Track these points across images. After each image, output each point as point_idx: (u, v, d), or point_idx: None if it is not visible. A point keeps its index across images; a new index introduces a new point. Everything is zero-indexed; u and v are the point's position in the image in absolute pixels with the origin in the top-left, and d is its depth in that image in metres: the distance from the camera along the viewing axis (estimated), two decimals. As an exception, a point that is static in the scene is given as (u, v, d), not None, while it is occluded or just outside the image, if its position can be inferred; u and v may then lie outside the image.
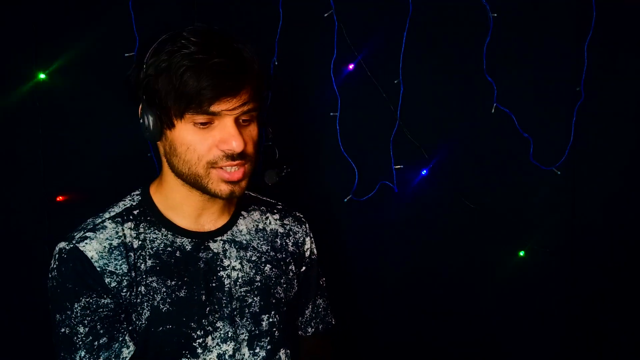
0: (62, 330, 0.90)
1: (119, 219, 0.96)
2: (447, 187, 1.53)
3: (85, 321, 0.89)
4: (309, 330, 1.16)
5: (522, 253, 1.60)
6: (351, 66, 1.43)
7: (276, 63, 1.38)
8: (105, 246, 0.92)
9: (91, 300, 0.90)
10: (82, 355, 0.89)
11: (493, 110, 1.51)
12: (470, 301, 1.60)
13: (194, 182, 0.92)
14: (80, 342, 0.89)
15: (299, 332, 1.16)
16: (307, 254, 1.14)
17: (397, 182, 1.50)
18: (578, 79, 1.54)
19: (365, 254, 1.53)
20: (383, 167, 1.49)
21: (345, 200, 1.48)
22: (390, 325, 1.57)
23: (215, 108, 0.87)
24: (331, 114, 1.44)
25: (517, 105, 1.52)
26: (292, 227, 1.13)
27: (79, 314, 0.89)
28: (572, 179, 1.59)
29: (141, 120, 0.92)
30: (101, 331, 0.90)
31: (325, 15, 1.39)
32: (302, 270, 1.12)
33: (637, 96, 1.58)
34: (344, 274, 1.53)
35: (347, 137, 1.45)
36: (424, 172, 1.51)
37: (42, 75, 1.23)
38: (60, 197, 1.27)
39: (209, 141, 0.89)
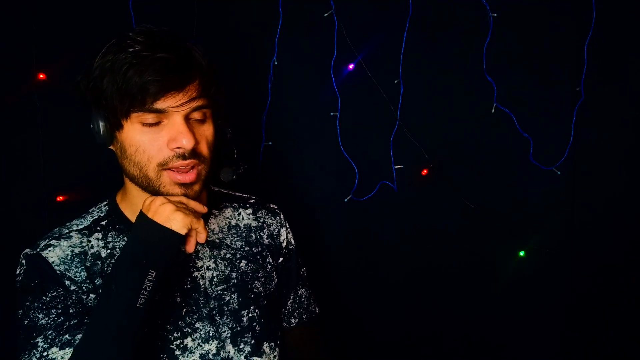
0: (26, 322, 0.87)
1: (86, 232, 0.95)
2: (447, 187, 1.53)
3: (60, 306, 0.87)
4: (293, 321, 1.15)
5: (522, 253, 1.60)
6: (351, 66, 1.43)
7: (276, 63, 1.38)
8: (67, 253, 0.91)
9: (57, 294, 0.89)
10: (49, 334, 0.85)
11: (493, 110, 1.51)
12: (470, 301, 1.60)
13: (146, 186, 0.90)
14: (52, 322, 0.86)
15: (284, 324, 1.15)
16: (284, 244, 1.12)
17: (397, 182, 1.50)
18: (578, 79, 1.54)
19: (365, 254, 1.53)
20: (383, 167, 1.49)
21: (346, 200, 1.48)
22: (390, 325, 1.57)
23: (160, 105, 0.84)
24: (331, 114, 1.44)
25: (517, 105, 1.52)
26: (266, 220, 1.11)
27: (47, 304, 0.87)
28: (572, 179, 1.59)
29: (91, 125, 0.90)
30: (73, 313, 0.87)
31: (325, 15, 1.39)
32: (279, 261, 1.11)
33: (637, 96, 1.59)
34: (344, 274, 1.53)
35: (347, 137, 1.45)
36: (424, 172, 1.51)
37: (42, 75, 1.23)
38: (60, 197, 1.27)
39: (159, 141, 0.87)
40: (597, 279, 1.65)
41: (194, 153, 0.88)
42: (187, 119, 0.88)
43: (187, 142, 0.86)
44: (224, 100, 0.97)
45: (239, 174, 0.98)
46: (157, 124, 0.87)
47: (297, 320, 1.16)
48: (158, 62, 0.83)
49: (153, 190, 0.90)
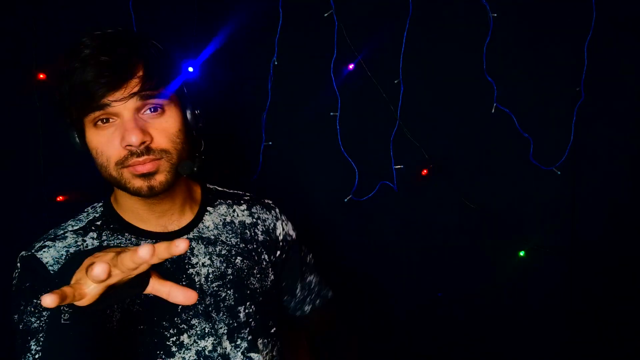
0: (21, 326, 0.88)
1: (81, 232, 0.96)
2: (447, 187, 1.53)
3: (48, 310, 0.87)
4: (306, 308, 1.15)
5: (522, 253, 1.60)
6: (351, 66, 1.43)
7: (276, 63, 1.38)
8: (62, 254, 0.92)
9: None
10: (40, 337, 0.85)
11: (493, 110, 1.51)
12: (470, 300, 1.60)
13: (117, 185, 0.91)
14: (44, 325, 0.86)
15: (297, 313, 1.15)
16: (280, 237, 1.11)
17: (397, 182, 1.50)
18: (578, 79, 1.54)
19: (365, 253, 1.53)
20: (383, 167, 1.49)
21: (346, 200, 1.48)
22: (390, 325, 1.57)
23: (104, 101, 0.85)
24: (331, 114, 1.44)
25: (517, 105, 1.52)
26: (261, 215, 1.10)
27: (39, 307, 0.87)
28: (572, 179, 1.59)
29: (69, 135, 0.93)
30: None
31: (325, 15, 1.39)
32: (277, 255, 1.10)
33: (637, 96, 1.59)
34: (344, 274, 1.53)
35: (347, 137, 1.45)
36: (423, 172, 1.51)
37: (42, 75, 1.23)
38: (60, 197, 1.27)
39: (114, 141, 0.87)
40: (597, 279, 1.65)
41: (148, 149, 0.87)
42: (138, 115, 0.88)
43: (135, 139, 0.85)
44: (191, 90, 0.96)
45: (199, 167, 0.97)
46: (110, 124, 0.87)
47: (310, 306, 1.15)
48: (101, 61, 0.84)
49: (123, 188, 0.91)
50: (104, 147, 0.88)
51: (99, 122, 0.87)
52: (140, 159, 0.87)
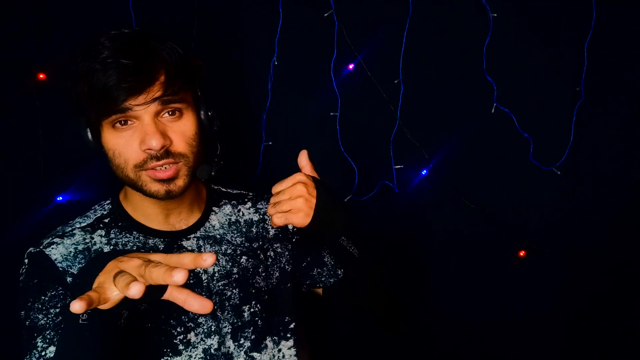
0: (27, 323, 0.88)
1: (89, 229, 0.96)
2: (447, 187, 1.53)
3: (59, 305, 0.88)
4: (339, 271, 1.10)
5: (522, 253, 1.60)
6: (351, 66, 1.43)
7: (276, 63, 1.38)
8: (70, 251, 0.93)
9: (57, 293, 0.89)
10: (47, 334, 0.86)
11: (493, 110, 1.51)
12: (470, 301, 1.60)
13: (132, 186, 0.92)
14: (51, 322, 0.87)
15: (332, 280, 1.10)
16: (290, 225, 1.09)
17: (397, 182, 1.50)
18: (578, 79, 1.54)
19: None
20: (383, 167, 1.49)
21: (345, 200, 1.48)
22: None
23: (125, 105, 0.86)
24: (331, 114, 1.44)
25: (517, 105, 1.52)
26: (267, 209, 1.11)
27: (46, 304, 0.88)
28: (572, 179, 1.59)
29: (81, 133, 0.93)
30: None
31: (325, 15, 1.39)
32: (294, 241, 1.10)
33: (637, 96, 1.59)
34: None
35: (347, 137, 1.45)
36: (424, 172, 1.51)
37: (42, 75, 1.23)
38: (60, 197, 1.27)
39: (133, 144, 0.88)
40: (597, 279, 1.65)
41: (167, 152, 0.88)
42: (158, 118, 0.88)
43: (156, 143, 0.86)
44: (207, 94, 0.97)
45: (217, 172, 0.97)
46: (128, 126, 0.88)
47: (341, 270, 1.11)
48: (122, 65, 0.84)
49: (138, 190, 0.91)
50: (122, 149, 0.88)
51: (117, 124, 0.87)
52: (160, 162, 0.88)
